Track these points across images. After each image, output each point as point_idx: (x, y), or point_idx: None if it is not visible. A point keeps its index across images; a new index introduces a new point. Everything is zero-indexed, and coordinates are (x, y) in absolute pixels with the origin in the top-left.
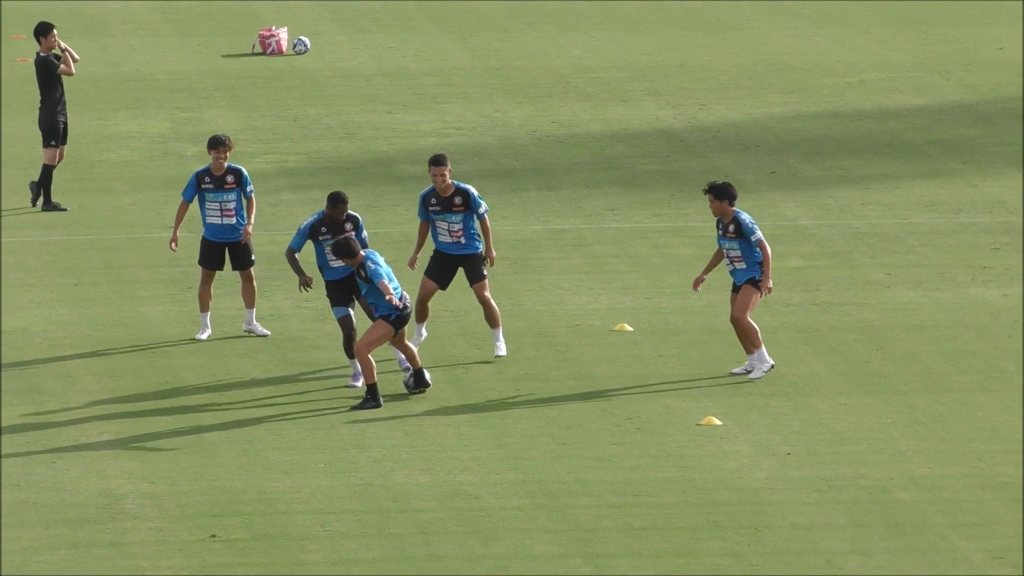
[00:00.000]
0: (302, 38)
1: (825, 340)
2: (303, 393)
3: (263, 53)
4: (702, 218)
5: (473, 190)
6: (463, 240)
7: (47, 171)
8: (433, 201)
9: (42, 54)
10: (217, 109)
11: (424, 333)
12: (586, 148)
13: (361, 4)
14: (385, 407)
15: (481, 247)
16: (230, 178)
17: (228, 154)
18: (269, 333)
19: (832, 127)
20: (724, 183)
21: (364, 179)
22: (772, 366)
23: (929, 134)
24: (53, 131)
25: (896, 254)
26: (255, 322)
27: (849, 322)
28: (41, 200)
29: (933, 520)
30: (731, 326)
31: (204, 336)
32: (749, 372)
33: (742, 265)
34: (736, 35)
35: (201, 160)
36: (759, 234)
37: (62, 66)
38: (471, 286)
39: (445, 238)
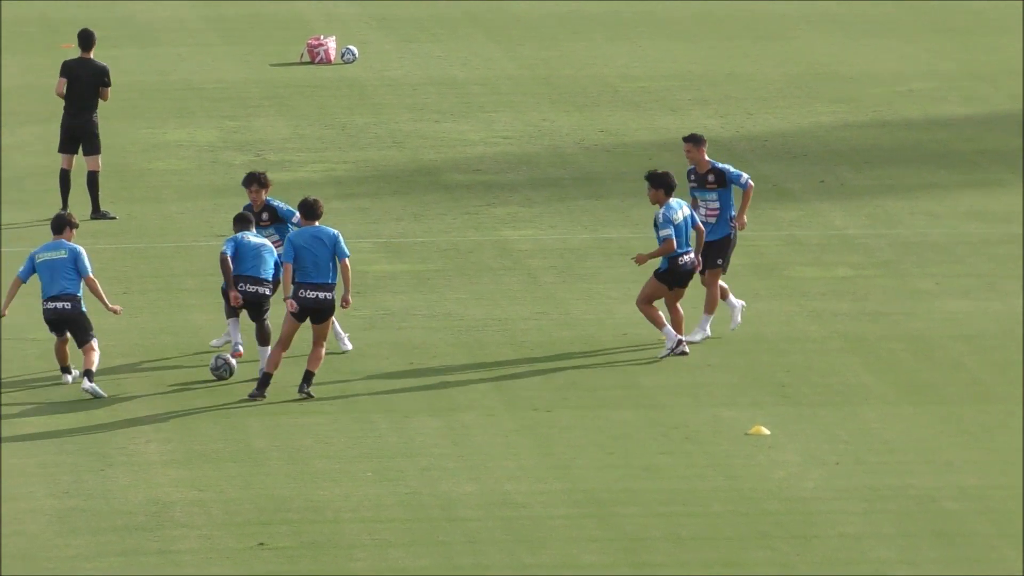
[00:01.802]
0: (350, 47)
1: (873, 350)
2: (351, 401)
3: (311, 62)
4: (750, 227)
5: (730, 169)
6: (714, 222)
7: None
8: (692, 177)
9: (102, 63)
10: (265, 118)
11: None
12: (634, 157)
13: (409, 13)
14: (433, 416)
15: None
16: (265, 215)
17: (265, 191)
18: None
19: (880, 136)
20: (664, 171)
21: (411, 188)
22: (681, 341)
23: (978, 143)
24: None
25: (945, 264)
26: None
27: (897, 332)
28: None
29: (981, 530)
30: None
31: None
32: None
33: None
34: (784, 44)
35: (250, 168)
36: (669, 231)
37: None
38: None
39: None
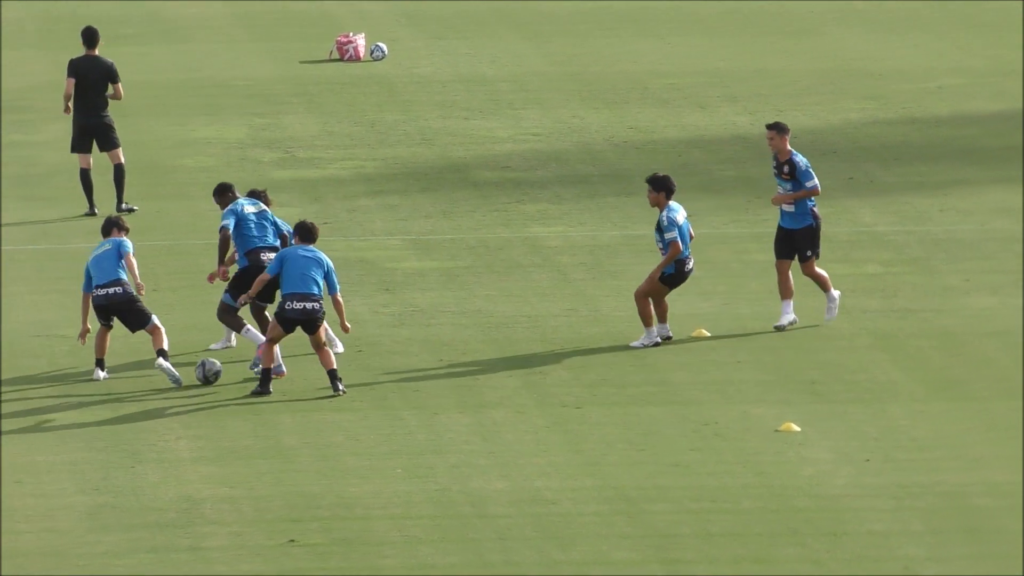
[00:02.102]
0: (379, 44)
1: (902, 347)
2: (380, 398)
3: (340, 59)
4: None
5: (801, 163)
6: (792, 211)
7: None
8: (774, 164)
9: (108, 60)
10: (294, 115)
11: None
12: (663, 154)
13: (438, 10)
14: (463, 413)
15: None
16: None
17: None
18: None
19: (909, 133)
20: (664, 175)
21: (440, 185)
22: (657, 343)
23: (1007, 139)
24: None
25: (974, 260)
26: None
27: (927, 328)
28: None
29: (1011, 526)
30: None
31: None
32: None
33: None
34: (813, 41)
35: (279, 166)
36: (674, 233)
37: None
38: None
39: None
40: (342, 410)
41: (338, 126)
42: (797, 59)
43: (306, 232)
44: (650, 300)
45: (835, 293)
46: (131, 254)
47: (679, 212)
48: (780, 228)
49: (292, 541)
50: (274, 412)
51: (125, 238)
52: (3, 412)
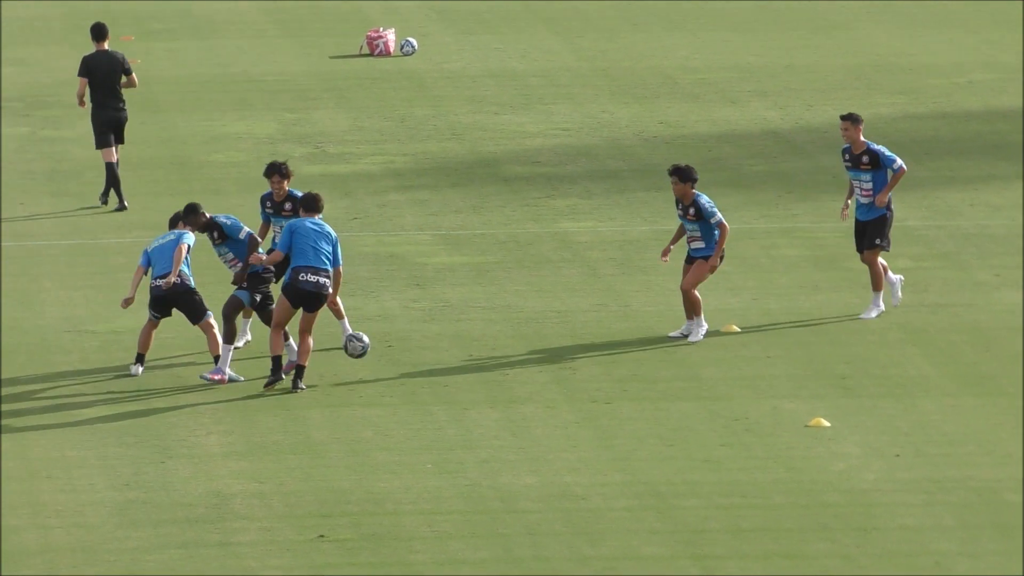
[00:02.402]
0: (409, 39)
1: (933, 341)
2: (410, 393)
3: (370, 54)
4: (810, 219)
5: (884, 150)
6: (867, 202)
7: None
8: (846, 157)
9: (119, 52)
10: (324, 110)
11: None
12: (693, 149)
13: (468, 5)
14: (492, 408)
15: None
16: (288, 205)
17: (287, 182)
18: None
19: (940, 128)
20: (687, 166)
21: (471, 180)
22: (706, 330)
23: None
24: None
25: (1005, 255)
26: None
27: (957, 323)
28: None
29: None
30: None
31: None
32: (687, 336)
33: (700, 244)
34: (843, 35)
35: (309, 161)
36: (719, 216)
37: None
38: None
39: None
40: (372, 405)
41: (368, 121)
42: (827, 54)
43: (312, 202)
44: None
45: (893, 277)
46: (184, 245)
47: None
48: (857, 221)
49: (321, 536)
50: (304, 407)
51: (187, 232)
52: (35, 408)
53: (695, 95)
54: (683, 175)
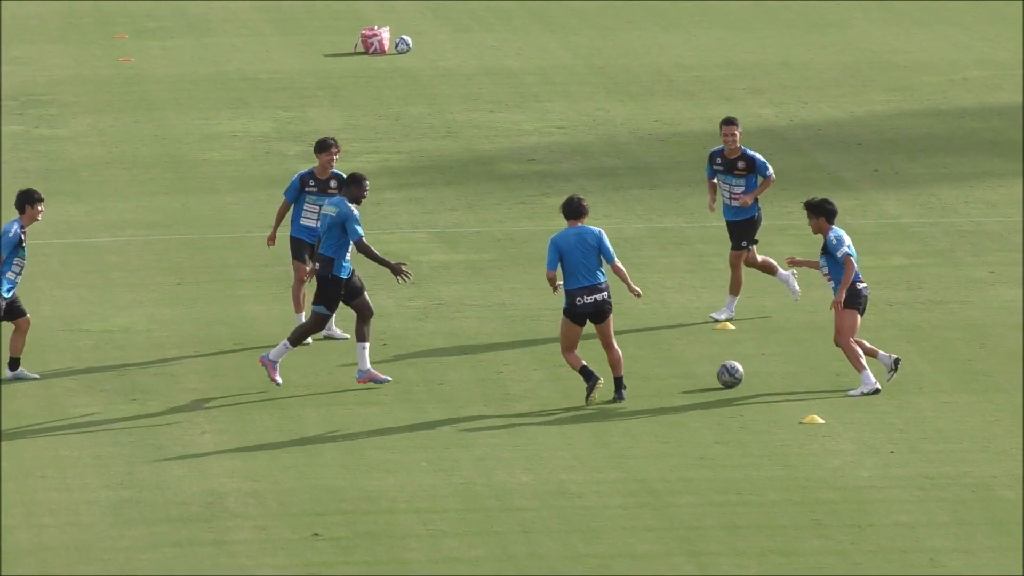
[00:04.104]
0: (404, 37)
1: (928, 338)
2: (405, 391)
3: (365, 52)
4: (805, 216)
5: (759, 158)
6: (737, 205)
7: None
8: (718, 161)
9: None
10: (319, 108)
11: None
12: (688, 146)
13: (463, 3)
14: (487, 406)
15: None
16: (333, 183)
17: (335, 158)
18: (348, 337)
19: (935, 125)
20: (822, 199)
21: (466, 178)
22: (877, 390)
23: None
24: None
25: (1000, 252)
26: (335, 327)
27: (952, 320)
28: None
29: None
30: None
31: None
32: (871, 389)
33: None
34: (838, 33)
35: (304, 159)
36: (845, 249)
37: None
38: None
39: (725, 199)
40: (367, 404)
41: (363, 119)
42: (822, 52)
43: (574, 209)
44: (853, 340)
45: (784, 274)
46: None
47: (845, 235)
48: (728, 222)
49: (316, 535)
50: (298, 406)
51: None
52: (29, 407)
53: (690, 92)
54: (815, 209)
